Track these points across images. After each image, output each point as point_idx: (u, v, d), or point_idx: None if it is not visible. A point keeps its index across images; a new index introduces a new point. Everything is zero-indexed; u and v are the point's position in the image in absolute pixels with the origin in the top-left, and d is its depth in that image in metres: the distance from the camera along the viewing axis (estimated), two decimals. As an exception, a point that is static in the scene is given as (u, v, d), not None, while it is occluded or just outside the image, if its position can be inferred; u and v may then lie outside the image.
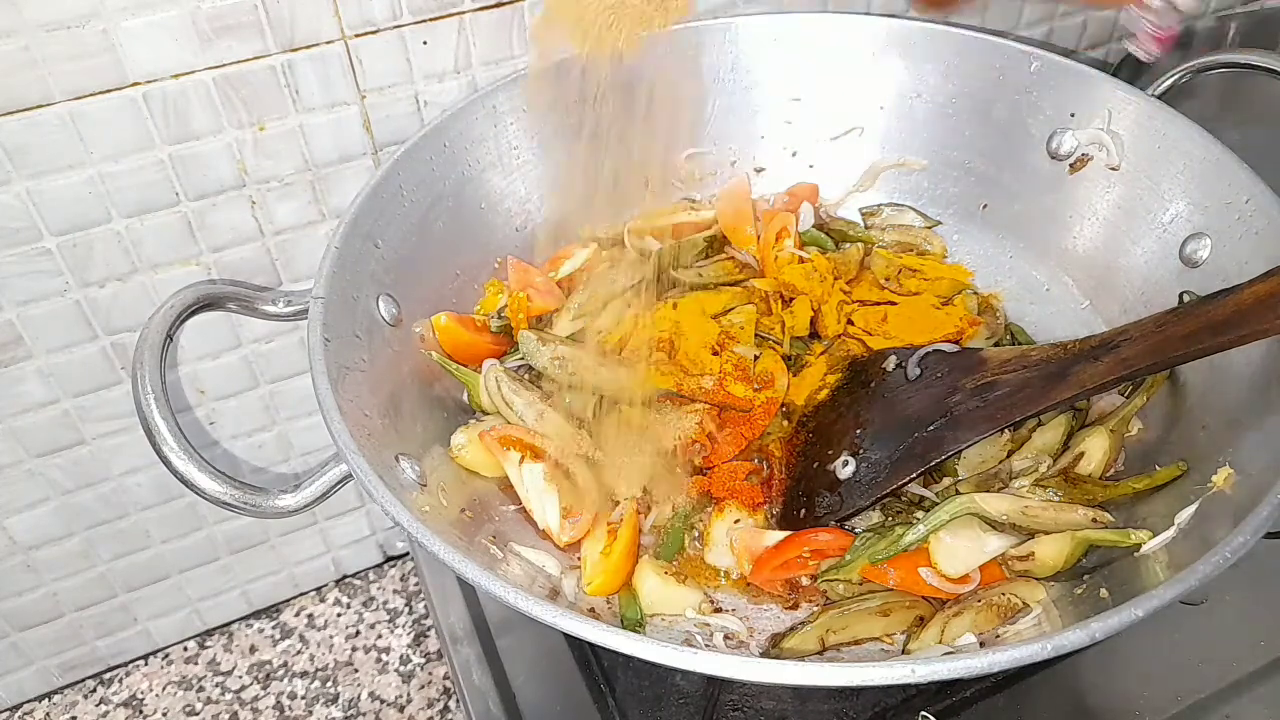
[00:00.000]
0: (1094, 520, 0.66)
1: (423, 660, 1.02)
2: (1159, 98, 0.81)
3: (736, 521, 0.71)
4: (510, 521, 0.70)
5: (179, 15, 0.70)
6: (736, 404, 0.76)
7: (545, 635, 0.79)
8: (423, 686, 1.00)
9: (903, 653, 0.64)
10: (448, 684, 1.00)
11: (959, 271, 0.88)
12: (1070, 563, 0.65)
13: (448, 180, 0.79)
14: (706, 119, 0.92)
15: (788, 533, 0.69)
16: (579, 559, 0.68)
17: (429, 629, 1.05)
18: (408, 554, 1.11)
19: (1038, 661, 0.48)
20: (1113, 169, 0.82)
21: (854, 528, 0.70)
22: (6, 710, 0.99)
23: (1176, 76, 0.85)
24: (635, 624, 0.65)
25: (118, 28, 0.69)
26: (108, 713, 0.99)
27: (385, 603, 1.07)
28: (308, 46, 0.75)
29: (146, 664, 1.03)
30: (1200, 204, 0.75)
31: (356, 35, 0.77)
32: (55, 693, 1.01)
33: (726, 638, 0.65)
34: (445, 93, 0.83)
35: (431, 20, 0.79)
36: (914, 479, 0.70)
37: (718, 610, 0.67)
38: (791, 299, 0.84)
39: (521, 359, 0.77)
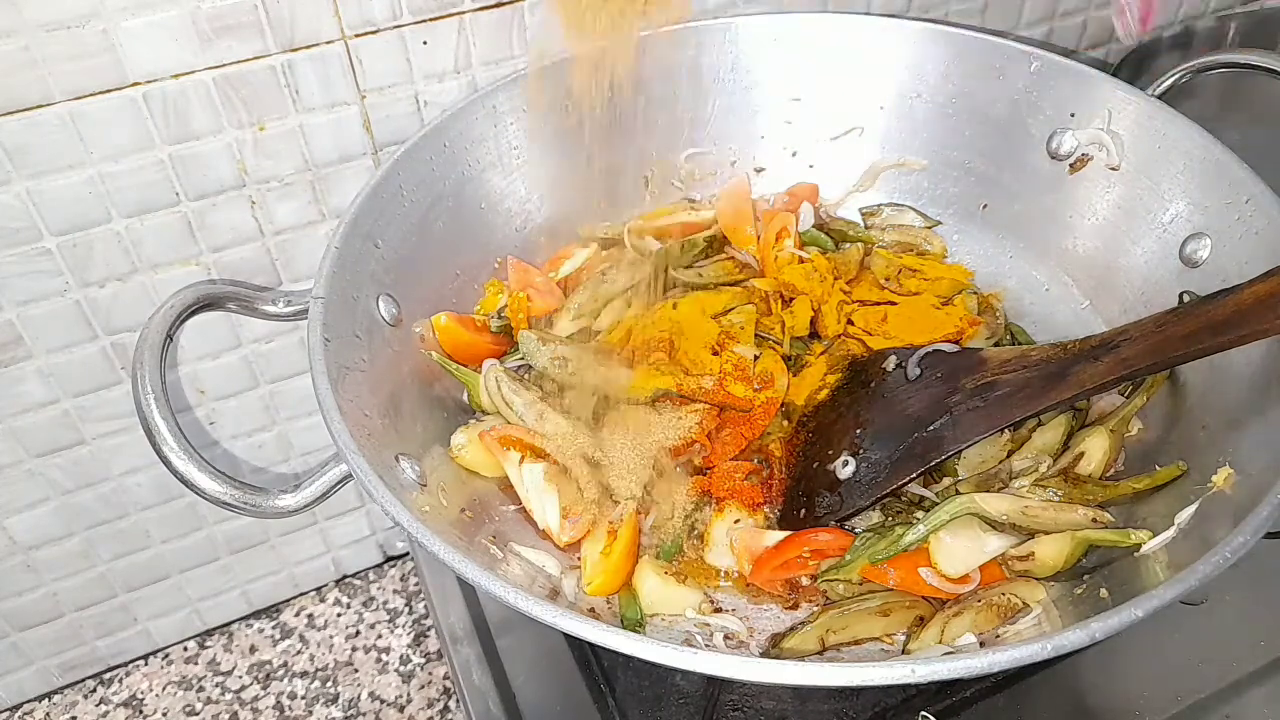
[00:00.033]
0: (1094, 520, 0.66)
1: (423, 660, 1.02)
2: (1159, 98, 0.81)
3: (736, 521, 0.71)
4: (510, 521, 0.70)
5: (179, 15, 0.70)
6: (736, 404, 0.76)
7: (545, 635, 0.79)
8: (423, 686, 1.00)
9: (903, 653, 0.64)
10: (448, 684, 1.00)
11: (959, 271, 0.88)
12: (1070, 563, 0.65)
13: (448, 180, 0.79)
14: (706, 119, 0.92)
15: (788, 533, 0.69)
16: (579, 559, 0.68)
17: (429, 629, 1.05)
18: (408, 554, 1.11)
19: (1038, 661, 0.48)
20: (1113, 169, 0.82)
21: (854, 528, 0.70)
22: (6, 710, 0.99)
23: (1176, 76, 0.86)
24: (635, 624, 0.65)
25: (118, 28, 0.69)
26: (108, 713, 0.99)
27: (385, 603, 1.07)
28: (308, 46, 0.75)
29: (146, 664, 1.03)
30: (1200, 204, 0.75)
31: (356, 35, 0.77)
32: (55, 693, 1.01)
33: (726, 638, 0.65)
34: (445, 93, 0.83)
35: (431, 20, 0.79)
36: (914, 479, 0.70)
37: (718, 610, 0.67)
38: (791, 299, 0.84)
39: (521, 359, 0.77)
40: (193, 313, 0.66)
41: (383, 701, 0.99)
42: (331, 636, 1.05)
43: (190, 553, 0.98)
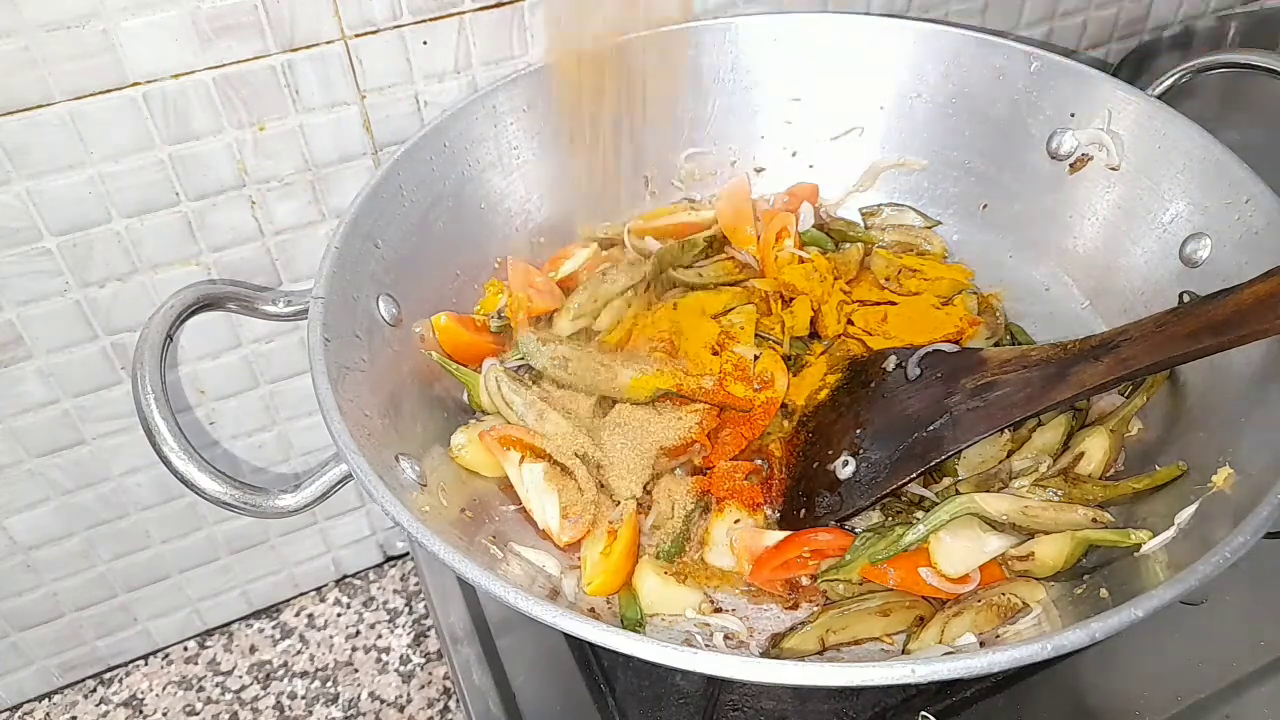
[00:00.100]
0: (1094, 520, 0.66)
1: (423, 660, 1.02)
2: (1159, 98, 0.81)
3: (736, 521, 0.71)
4: (510, 521, 0.70)
5: (179, 15, 0.70)
6: (736, 404, 0.76)
7: (545, 635, 0.79)
8: (423, 686, 1.00)
9: (903, 653, 0.64)
10: (448, 684, 1.00)
11: (959, 271, 0.88)
12: (1070, 563, 0.65)
13: (448, 180, 0.79)
14: (706, 119, 0.92)
15: (788, 533, 0.69)
16: (579, 559, 0.68)
17: (429, 629, 1.05)
18: (408, 554, 1.11)
19: (1038, 661, 0.48)
20: (1113, 169, 0.82)
21: (854, 528, 0.70)
22: (6, 710, 0.99)
23: (1176, 76, 0.86)
24: (635, 624, 0.65)
25: (118, 28, 0.69)
26: (108, 713, 0.99)
27: (385, 603, 1.07)
28: (308, 46, 0.75)
29: (146, 664, 1.03)
30: (1200, 204, 0.75)
31: (356, 35, 0.77)
32: (55, 693, 1.01)
33: (726, 638, 0.65)
34: (445, 93, 0.83)
35: (431, 20, 0.79)
36: (914, 479, 0.70)
37: (718, 610, 0.67)
38: (791, 299, 0.84)
39: (521, 359, 0.77)
40: (193, 313, 0.66)
41: (383, 701, 0.99)
42: (331, 636, 1.05)
43: (190, 553, 0.98)
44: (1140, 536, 0.62)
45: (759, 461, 0.76)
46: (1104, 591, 0.60)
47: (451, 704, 0.98)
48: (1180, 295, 0.75)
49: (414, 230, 0.76)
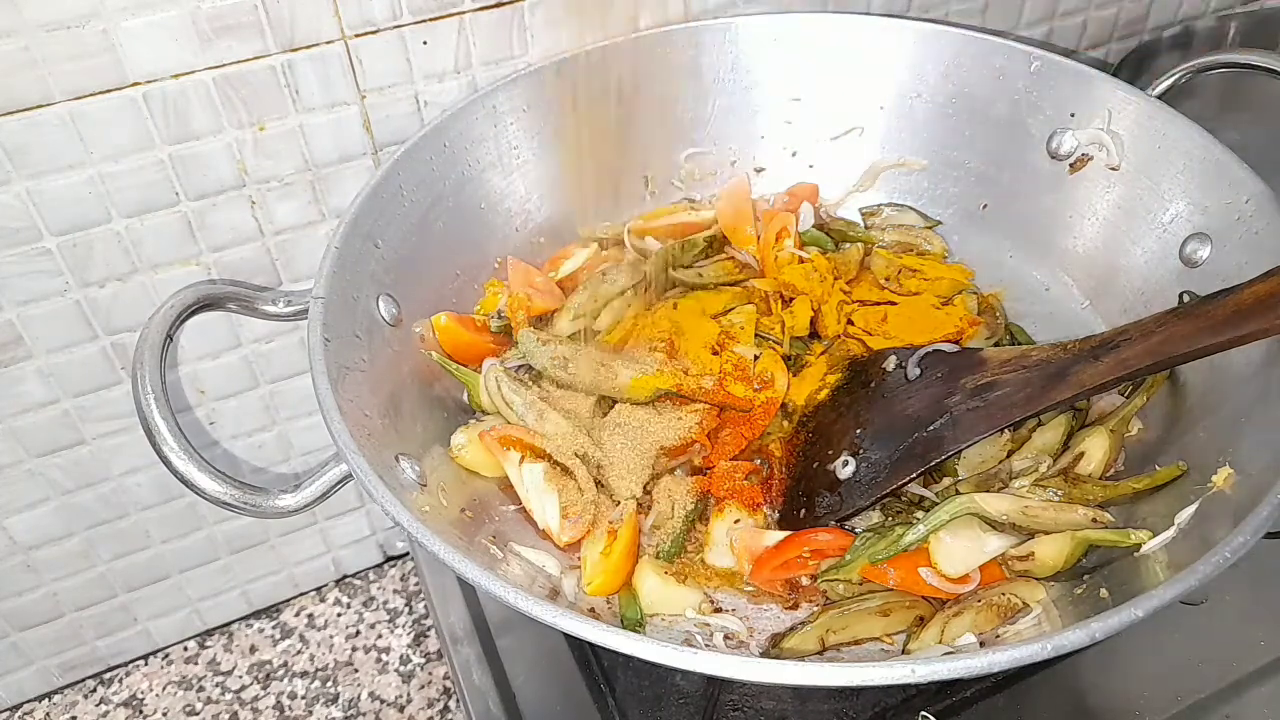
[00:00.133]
0: (1094, 520, 0.66)
1: (423, 660, 1.02)
2: (1159, 98, 0.81)
3: (736, 521, 0.71)
4: (510, 521, 0.70)
5: (179, 15, 0.70)
6: (736, 404, 0.76)
7: (545, 635, 0.79)
8: (423, 686, 1.00)
9: (903, 653, 0.64)
10: (448, 684, 1.00)
11: (959, 271, 0.88)
12: (1070, 563, 0.65)
13: (448, 180, 0.79)
14: (706, 119, 0.92)
15: (788, 533, 0.69)
16: (579, 559, 0.68)
17: (429, 629, 1.05)
18: (408, 554, 1.11)
19: (1038, 661, 0.48)
20: (1113, 169, 0.82)
21: (854, 528, 0.70)
22: (6, 710, 0.99)
23: (1176, 76, 0.86)
24: (635, 624, 0.65)
25: (118, 28, 0.69)
26: (108, 713, 0.99)
27: (385, 603, 1.07)
28: (308, 46, 0.75)
29: (146, 664, 1.03)
30: (1200, 204, 0.75)
31: (356, 35, 0.77)
32: (55, 693, 1.01)
33: (726, 638, 0.65)
34: (445, 93, 0.83)
35: (431, 20, 0.79)
36: (914, 479, 0.70)
37: (718, 610, 0.67)
38: (791, 299, 0.84)
39: (521, 359, 0.77)
40: (193, 313, 0.66)
41: (383, 701, 0.99)
42: (331, 636, 1.05)
43: (190, 553, 0.98)
44: (1140, 536, 0.62)
45: (759, 461, 0.76)
46: (1104, 591, 0.60)
47: (451, 704, 0.98)
48: (1180, 295, 0.75)
49: (414, 230, 0.76)
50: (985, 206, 0.91)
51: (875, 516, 0.71)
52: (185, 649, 1.04)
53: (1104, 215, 0.83)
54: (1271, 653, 0.74)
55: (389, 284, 0.73)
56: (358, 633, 1.05)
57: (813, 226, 0.91)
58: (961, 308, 0.84)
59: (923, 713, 0.71)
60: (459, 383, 0.77)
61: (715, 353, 0.79)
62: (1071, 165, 0.85)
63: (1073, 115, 0.84)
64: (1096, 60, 1.18)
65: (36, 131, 0.70)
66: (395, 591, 1.08)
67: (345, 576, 1.10)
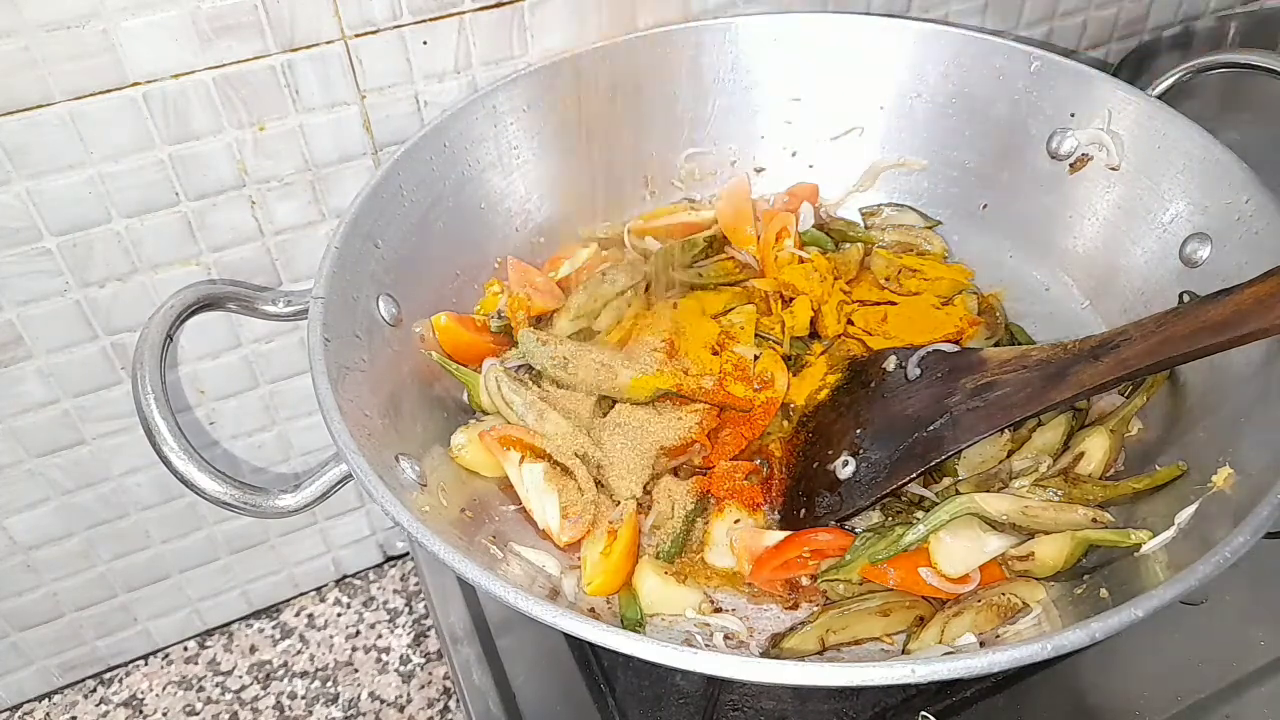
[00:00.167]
0: (1094, 520, 0.66)
1: (423, 660, 1.02)
2: (1159, 98, 0.81)
3: (736, 521, 0.71)
4: (510, 521, 0.70)
5: (179, 15, 0.70)
6: (736, 404, 0.76)
7: (545, 635, 0.79)
8: (423, 686, 1.00)
9: (903, 653, 0.64)
10: (448, 684, 1.00)
11: (959, 271, 0.88)
12: (1070, 563, 0.65)
13: (448, 180, 0.79)
14: (706, 119, 0.92)
15: (788, 533, 0.69)
16: (579, 559, 0.68)
17: (429, 629, 1.05)
18: (408, 554, 1.11)
19: (1038, 661, 0.48)
20: (1113, 169, 0.82)
21: (854, 528, 0.70)
22: (6, 710, 0.99)
23: (1176, 76, 0.86)
24: (635, 624, 0.65)
25: (118, 28, 0.69)
26: (108, 713, 0.99)
27: (385, 603, 1.07)
28: (308, 46, 0.75)
29: (146, 664, 1.03)
30: (1200, 204, 0.75)
31: (356, 35, 0.77)
32: (55, 693, 1.01)
33: (726, 638, 0.65)
34: (445, 93, 0.83)
35: (431, 20, 0.79)
36: (914, 479, 0.70)
37: (718, 610, 0.67)
38: (791, 299, 0.84)
39: (521, 359, 0.77)
40: (193, 313, 0.66)
41: (383, 701, 0.99)
42: (331, 636, 1.05)
43: (190, 553, 0.98)
44: (1140, 536, 0.62)
45: (759, 461, 0.76)
46: (1104, 591, 0.60)
47: (451, 704, 0.98)
48: (1180, 295, 0.75)
49: (414, 230, 0.76)
50: (985, 206, 0.91)
51: (875, 516, 0.71)
52: (185, 649, 1.04)
53: (1104, 215, 0.83)
54: (1271, 653, 0.74)
55: (389, 284, 0.73)
56: (358, 633, 1.05)
57: (813, 226, 0.91)
58: (961, 308, 0.84)
59: (923, 713, 0.71)
60: (459, 383, 0.77)
61: (715, 353, 0.79)
62: (1071, 165, 0.85)
63: (1073, 115, 0.84)
64: (1096, 60, 1.18)
65: (36, 131, 0.70)
66: (395, 591, 1.08)
67: (345, 576, 1.10)
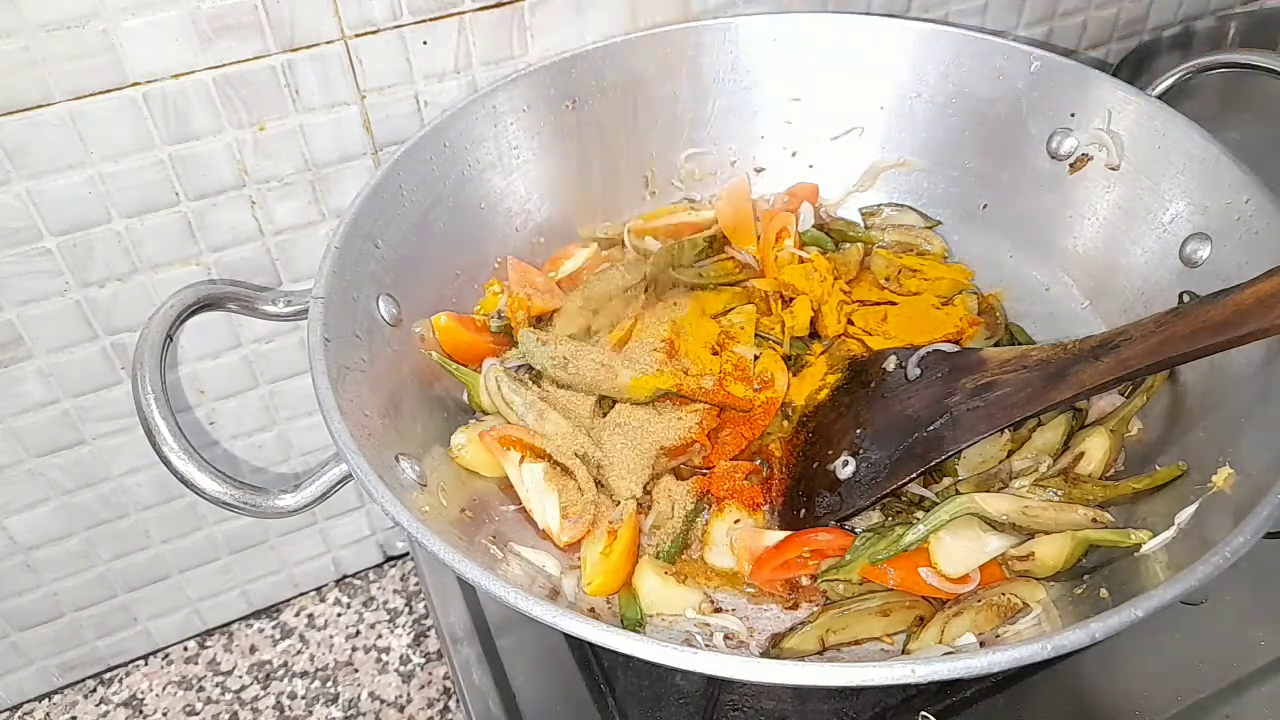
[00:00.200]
0: (1094, 520, 0.66)
1: (423, 660, 1.02)
2: (1159, 98, 0.81)
3: (736, 521, 0.71)
4: (510, 521, 0.70)
5: (179, 15, 0.70)
6: (736, 404, 0.76)
7: (545, 635, 0.79)
8: (423, 686, 1.00)
9: (903, 653, 0.64)
10: (448, 684, 1.00)
11: (959, 271, 0.88)
12: (1070, 563, 0.65)
13: (448, 180, 0.79)
14: (706, 119, 0.92)
15: (788, 533, 0.69)
16: (579, 559, 0.68)
17: (429, 629, 1.05)
18: (408, 554, 1.11)
19: (1038, 661, 0.48)
20: (1113, 169, 0.82)
21: (854, 528, 0.70)
22: (6, 710, 0.99)
23: (1176, 76, 0.86)
24: (635, 624, 0.65)
25: (118, 28, 0.69)
26: (108, 713, 0.99)
27: (385, 603, 1.07)
28: (308, 46, 0.75)
29: (146, 664, 1.03)
30: (1200, 204, 0.75)
31: (356, 35, 0.77)
32: (55, 693, 1.01)
33: (726, 638, 0.65)
34: (445, 93, 0.83)
35: (431, 20, 0.79)
36: (914, 479, 0.70)
37: (718, 610, 0.67)
38: (791, 299, 0.84)
39: (521, 359, 0.77)
40: (193, 313, 0.66)
41: (383, 701, 0.99)
42: (331, 636, 1.05)
43: (190, 553, 0.98)
44: (1140, 536, 0.62)
45: (759, 461, 0.76)
46: (1104, 591, 0.60)
47: (451, 704, 0.98)
48: (1180, 295, 0.75)
49: (414, 230, 0.76)
50: (985, 206, 0.91)
51: (875, 516, 0.71)
52: (185, 649, 1.04)
53: (1104, 215, 0.83)
54: (1271, 653, 0.74)
55: (389, 284, 0.73)
56: (358, 633, 1.05)
57: (813, 226, 0.91)
58: (961, 308, 0.84)
59: (923, 713, 0.71)
60: (459, 383, 0.77)
61: (715, 353, 0.79)
62: (1071, 165, 0.85)
63: (1073, 115, 0.83)
64: (1096, 60, 1.18)
65: (36, 131, 0.70)
66: (395, 591, 1.08)
67: (345, 576, 1.10)
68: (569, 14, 0.84)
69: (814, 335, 0.84)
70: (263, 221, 0.82)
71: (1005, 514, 0.65)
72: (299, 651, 1.03)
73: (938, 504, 0.67)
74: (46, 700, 1.00)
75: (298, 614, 1.07)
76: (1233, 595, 0.77)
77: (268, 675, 1.02)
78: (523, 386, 0.74)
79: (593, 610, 0.66)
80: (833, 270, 0.86)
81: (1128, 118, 0.80)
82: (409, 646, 1.03)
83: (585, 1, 0.84)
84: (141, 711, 0.99)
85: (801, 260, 0.86)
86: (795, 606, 0.67)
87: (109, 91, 0.71)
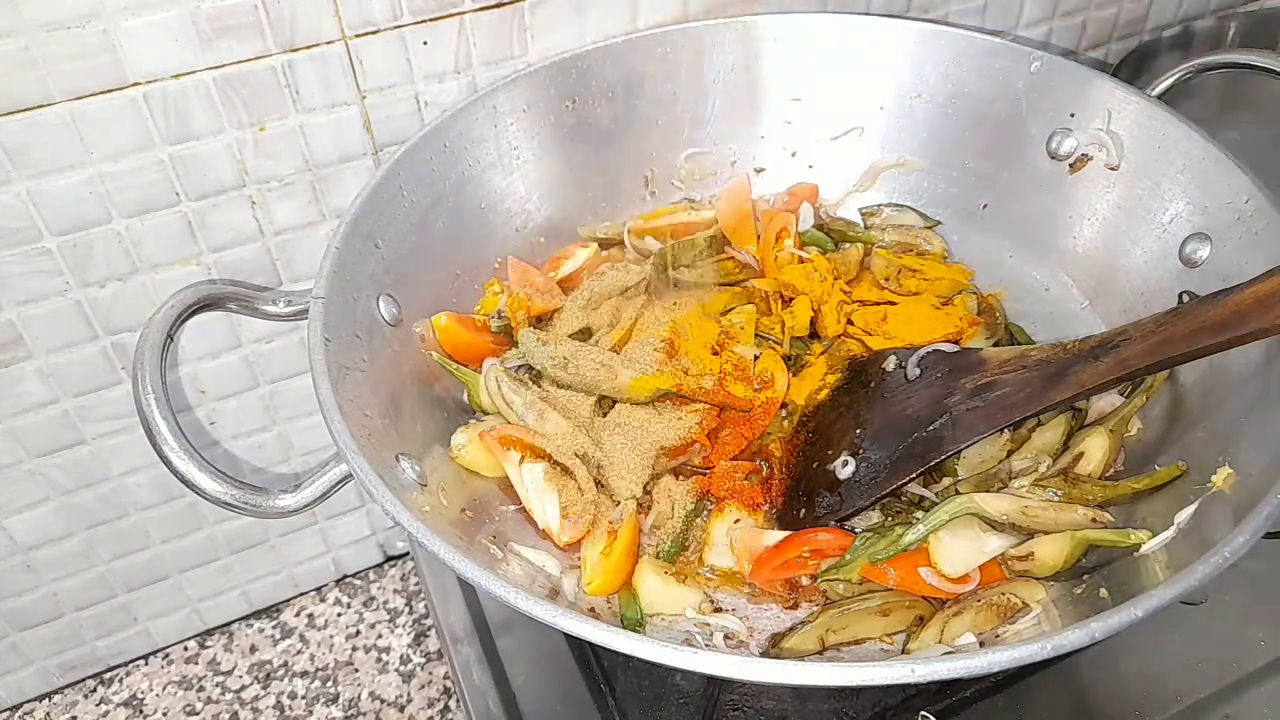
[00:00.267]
0: (1094, 520, 0.66)
1: (423, 660, 1.02)
2: (1159, 98, 0.81)
3: (736, 521, 0.71)
4: (510, 521, 0.70)
5: (179, 15, 0.70)
6: (736, 404, 0.76)
7: (545, 635, 0.79)
8: (423, 686, 1.00)
9: (902, 652, 0.64)
10: (448, 684, 1.00)
11: (959, 271, 0.88)
12: (1070, 563, 0.65)
13: (448, 180, 0.79)
14: (706, 119, 0.92)
15: (788, 533, 0.69)
16: (579, 559, 0.68)
17: (429, 629, 1.05)
18: (408, 554, 1.11)
19: (1038, 661, 0.48)
20: (1112, 169, 0.82)
21: (854, 528, 0.70)
22: (6, 710, 0.99)
23: (1176, 76, 0.86)
24: (635, 624, 0.65)
25: (118, 28, 0.69)
26: (108, 713, 0.99)
27: (385, 603, 1.07)
28: (308, 47, 0.75)
29: (147, 664, 1.03)
30: (1200, 204, 0.75)
31: (357, 35, 0.77)
32: (55, 693, 1.01)
33: (726, 638, 0.65)
34: (445, 93, 0.83)
35: (432, 20, 0.79)
36: (914, 479, 0.70)
37: (718, 610, 0.67)
38: (791, 299, 0.84)
39: (521, 359, 0.77)
40: (193, 313, 0.66)
41: (383, 701, 0.99)
42: (332, 636, 1.05)
43: (190, 553, 0.98)
44: (1140, 536, 0.62)
45: (759, 461, 0.76)
46: (1104, 591, 0.60)
47: (451, 704, 0.98)
48: (1180, 295, 0.75)
49: (414, 230, 0.76)
50: (985, 206, 0.91)
51: (875, 516, 0.71)
52: (185, 649, 1.04)
53: (1104, 215, 0.83)
54: (1271, 653, 0.74)
55: (389, 284, 0.73)
56: (358, 633, 1.05)
57: (813, 226, 0.91)
58: (961, 308, 0.84)
59: (923, 713, 0.71)
60: (459, 383, 0.77)
61: (715, 353, 0.79)
62: (1071, 165, 0.85)
63: (1072, 115, 0.84)
64: (1096, 60, 1.18)
65: (36, 131, 0.70)
66: (395, 591, 1.08)
67: (345, 576, 1.10)
68: (569, 14, 0.84)
69: (814, 335, 0.84)
70: (263, 221, 0.82)
71: (1005, 514, 0.65)
72: (299, 651, 1.03)
73: (938, 504, 0.67)
74: (46, 700, 1.00)
75: (298, 614, 1.07)
76: (1233, 595, 0.77)
77: (268, 675, 1.02)
78: (523, 386, 0.74)
79: (593, 610, 0.66)
80: (833, 270, 0.86)
81: (1127, 118, 0.80)
82: (409, 646, 1.03)
83: (585, 1, 0.84)
84: (141, 711, 0.99)
85: (801, 260, 0.86)
86: (795, 606, 0.67)
87: (109, 91, 0.71)
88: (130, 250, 0.78)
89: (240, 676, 1.02)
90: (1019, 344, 0.82)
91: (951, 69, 0.88)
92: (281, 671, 1.02)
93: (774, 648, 0.64)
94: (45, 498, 0.88)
